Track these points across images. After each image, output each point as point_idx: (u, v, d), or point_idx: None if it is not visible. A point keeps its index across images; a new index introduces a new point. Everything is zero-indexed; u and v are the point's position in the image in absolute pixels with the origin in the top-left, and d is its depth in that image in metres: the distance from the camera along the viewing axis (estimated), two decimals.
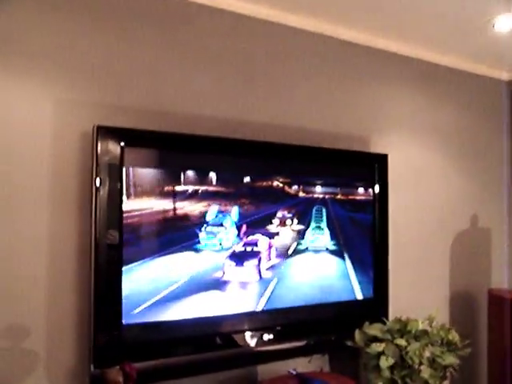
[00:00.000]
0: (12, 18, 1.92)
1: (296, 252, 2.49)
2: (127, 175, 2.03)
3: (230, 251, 2.30)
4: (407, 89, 3.12)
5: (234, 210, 2.31)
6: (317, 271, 2.55)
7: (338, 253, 2.62)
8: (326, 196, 2.60)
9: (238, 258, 2.32)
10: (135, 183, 2.06)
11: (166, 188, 2.14)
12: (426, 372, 2.27)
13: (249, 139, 2.43)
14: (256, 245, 2.37)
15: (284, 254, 2.46)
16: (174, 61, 2.30)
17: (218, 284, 2.26)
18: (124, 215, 2.01)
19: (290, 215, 2.48)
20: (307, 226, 2.54)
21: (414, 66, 3.14)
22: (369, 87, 2.95)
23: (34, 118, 1.96)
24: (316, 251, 2.55)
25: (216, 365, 2.28)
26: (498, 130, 3.61)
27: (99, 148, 1.95)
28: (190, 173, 2.21)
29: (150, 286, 2.08)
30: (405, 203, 3.05)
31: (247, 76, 2.52)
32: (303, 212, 2.53)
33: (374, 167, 2.77)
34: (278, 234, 2.44)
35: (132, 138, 2.05)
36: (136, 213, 2.05)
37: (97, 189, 1.94)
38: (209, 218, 2.24)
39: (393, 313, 2.64)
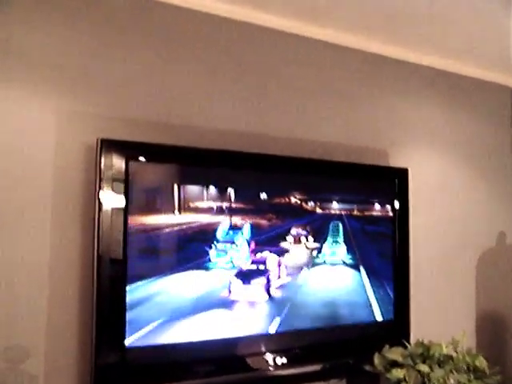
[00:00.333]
0: (13, 28, 1.89)
1: (312, 265, 2.40)
2: (132, 190, 1.95)
3: (237, 269, 2.20)
4: (426, 100, 3.03)
5: (247, 227, 2.22)
6: (333, 290, 2.45)
7: (355, 268, 2.52)
8: (343, 212, 2.50)
9: (245, 276, 2.22)
10: (140, 198, 1.99)
11: (174, 203, 2.06)
12: None
13: (263, 153, 2.35)
14: (264, 263, 2.27)
15: (297, 272, 2.36)
16: (182, 73, 2.24)
17: (226, 303, 2.16)
18: (128, 231, 1.92)
19: (304, 232, 2.38)
20: (323, 243, 2.44)
21: (434, 77, 3.05)
22: (387, 99, 2.87)
23: (37, 130, 1.91)
24: (333, 264, 2.46)
25: None
26: None
27: (103, 162, 1.88)
28: (199, 188, 2.13)
29: (156, 306, 1.99)
30: (426, 219, 2.94)
31: (261, 88, 2.45)
32: (319, 228, 2.43)
33: (394, 182, 2.70)
34: (288, 251, 2.34)
35: (138, 151, 1.99)
36: (141, 227, 1.97)
37: (100, 203, 1.87)
38: (219, 234, 2.15)
39: (414, 336, 2.52)
